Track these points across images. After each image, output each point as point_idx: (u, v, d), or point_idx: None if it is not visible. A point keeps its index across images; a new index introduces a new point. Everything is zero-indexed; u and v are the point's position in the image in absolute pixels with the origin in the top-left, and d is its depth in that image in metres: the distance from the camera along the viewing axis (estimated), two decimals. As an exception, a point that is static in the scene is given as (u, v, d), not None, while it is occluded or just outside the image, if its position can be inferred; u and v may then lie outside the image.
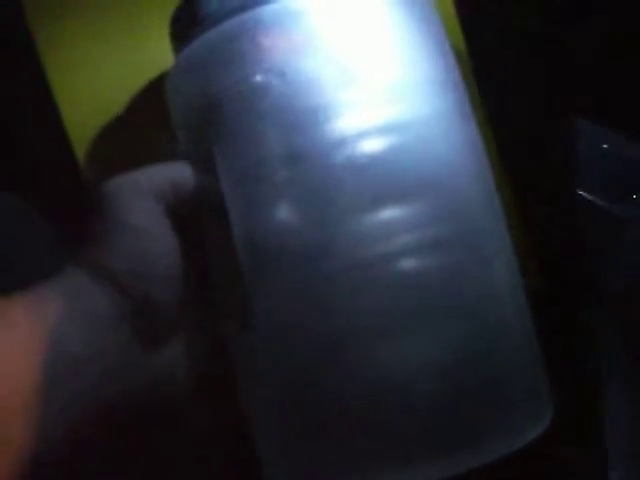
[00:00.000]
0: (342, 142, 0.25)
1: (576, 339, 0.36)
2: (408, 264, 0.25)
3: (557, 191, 0.43)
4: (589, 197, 0.44)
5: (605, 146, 0.45)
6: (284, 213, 0.26)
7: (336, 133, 0.26)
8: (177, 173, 0.28)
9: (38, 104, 0.39)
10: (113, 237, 0.26)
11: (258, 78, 0.26)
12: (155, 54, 0.36)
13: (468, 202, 0.27)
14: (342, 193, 0.25)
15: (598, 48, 0.43)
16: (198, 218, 0.28)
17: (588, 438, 0.35)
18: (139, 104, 0.38)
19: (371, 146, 0.26)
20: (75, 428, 0.25)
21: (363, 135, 0.26)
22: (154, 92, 0.31)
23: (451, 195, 0.26)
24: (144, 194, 0.27)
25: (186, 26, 0.29)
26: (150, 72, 0.38)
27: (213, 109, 0.27)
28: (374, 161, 0.25)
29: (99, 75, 0.39)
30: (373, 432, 0.24)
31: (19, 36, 0.39)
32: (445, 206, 0.26)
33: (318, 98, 0.26)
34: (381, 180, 0.25)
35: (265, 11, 0.27)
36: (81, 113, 0.38)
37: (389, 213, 0.25)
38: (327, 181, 0.25)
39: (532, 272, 0.37)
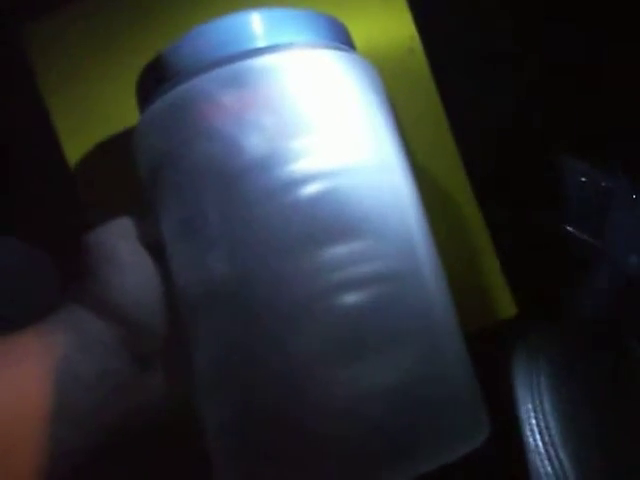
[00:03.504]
0: (276, 190, 0.27)
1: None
2: (344, 299, 0.26)
3: (537, 223, 0.45)
4: (568, 228, 0.45)
5: (583, 179, 0.47)
6: (219, 262, 0.27)
7: (271, 182, 0.27)
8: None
9: (39, 142, 0.41)
10: (105, 273, 0.30)
11: (196, 142, 0.28)
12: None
13: (402, 243, 0.28)
14: (277, 236, 0.27)
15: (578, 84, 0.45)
16: None
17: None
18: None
19: (305, 192, 0.27)
20: (85, 446, 0.28)
21: (298, 182, 0.27)
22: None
23: (384, 236, 0.28)
24: (129, 236, 0.31)
25: (147, 89, 0.31)
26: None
27: (156, 171, 0.30)
28: (308, 205, 0.27)
29: (101, 112, 0.41)
30: (320, 454, 0.26)
31: (19, 69, 0.41)
32: (379, 245, 0.28)
33: (256, 150, 0.27)
34: (316, 222, 0.27)
35: (209, 77, 0.28)
36: (82, 151, 0.40)
37: (324, 253, 0.27)
38: (263, 226, 0.27)
39: (506, 303, 0.38)
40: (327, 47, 0.30)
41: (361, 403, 0.26)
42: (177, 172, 0.29)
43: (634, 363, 0.39)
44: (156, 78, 0.30)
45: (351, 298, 0.26)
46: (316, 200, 0.27)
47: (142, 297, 0.30)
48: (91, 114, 0.41)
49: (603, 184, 0.46)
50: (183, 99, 0.29)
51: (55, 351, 0.28)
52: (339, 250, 0.27)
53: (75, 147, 0.41)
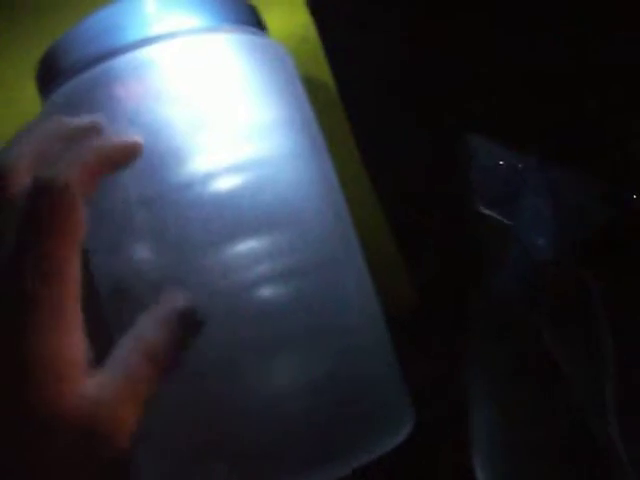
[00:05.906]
0: (193, 182, 0.27)
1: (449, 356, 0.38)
2: (263, 293, 0.26)
3: (453, 208, 0.44)
4: (484, 210, 0.45)
5: (501, 163, 0.47)
6: (141, 252, 0.27)
7: (187, 174, 0.27)
8: None
9: None
10: None
11: (111, 127, 0.27)
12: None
13: (319, 234, 0.28)
14: (196, 230, 0.27)
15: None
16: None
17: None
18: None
19: (223, 185, 0.27)
20: None
21: (214, 175, 0.27)
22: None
23: (302, 228, 0.28)
24: None
25: (48, 77, 0.30)
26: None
27: None
28: (226, 198, 0.27)
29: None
30: (243, 450, 0.25)
31: None
32: (296, 238, 0.27)
33: (170, 142, 0.27)
34: (232, 216, 0.27)
35: (117, 62, 0.28)
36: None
37: (243, 246, 0.26)
38: (181, 219, 0.27)
39: (410, 294, 0.38)
40: (233, 31, 0.30)
41: (283, 401, 0.26)
42: None
43: (542, 346, 0.39)
44: (56, 66, 0.30)
45: (266, 292, 0.26)
46: (228, 194, 0.27)
47: None
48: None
49: (520, 166, 0.46)
50: (93, 83, 0.28)
51: None
52: (255, 244, 0.27)
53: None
